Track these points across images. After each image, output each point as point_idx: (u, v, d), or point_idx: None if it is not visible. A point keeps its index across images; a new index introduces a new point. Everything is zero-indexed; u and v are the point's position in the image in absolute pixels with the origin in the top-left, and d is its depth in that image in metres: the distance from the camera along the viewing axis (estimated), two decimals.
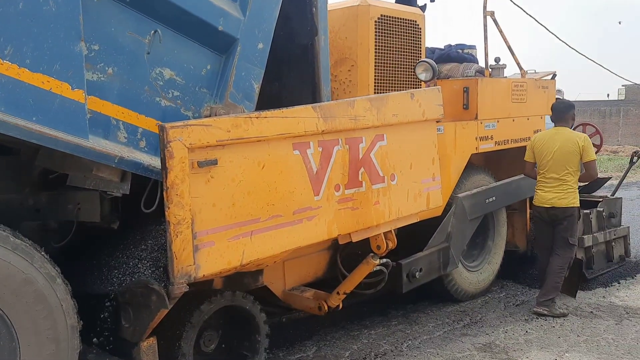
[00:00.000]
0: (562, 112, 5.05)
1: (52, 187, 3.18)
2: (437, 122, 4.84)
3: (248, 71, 3.13)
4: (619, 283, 5.91)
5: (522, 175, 5.73)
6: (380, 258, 3.84)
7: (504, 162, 6.02)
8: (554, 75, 6.12)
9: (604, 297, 5.49)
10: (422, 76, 4.30)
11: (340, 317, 4.84)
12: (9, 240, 2.39)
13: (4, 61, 2.28)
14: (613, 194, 6.98)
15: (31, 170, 3.12)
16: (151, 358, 2.85)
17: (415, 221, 3.97)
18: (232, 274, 3.66)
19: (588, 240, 5.79)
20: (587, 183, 6.44)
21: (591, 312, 5.06)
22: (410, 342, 4.48)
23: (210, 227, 2.64)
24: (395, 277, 4.40)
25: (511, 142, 5.50)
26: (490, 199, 5.24)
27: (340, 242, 3.55)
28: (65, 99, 2.45)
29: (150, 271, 2.61)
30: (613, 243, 6.30)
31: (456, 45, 6.15)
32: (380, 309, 5.11)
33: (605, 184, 7.08)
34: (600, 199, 6.39)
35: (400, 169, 3.70)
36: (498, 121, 5.28)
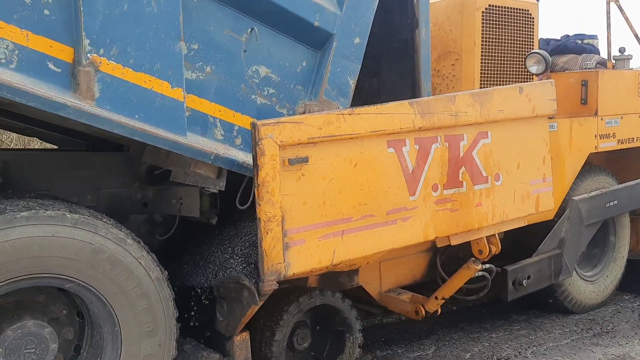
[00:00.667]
0: None
1: (157, 182, 3.34)
2: (550, 118, 4.49)
3: (343, 67, 3.07)
4: None
5: None
6: (483, 263, 3.62)
7: (629, 162, 5.46)
8: None
9: None
10: (534, 69, 3.99)
11: (459, 319, 4.74)
12: (66, 217, 2.43)
13: (110, 61, 2.40)
14: None
15: (139, 166, 3.29)
16: (244, 353, 2.89)
17: (523, 225, 3.69)
18: (326, 273, 3.65)
19: None
20: None
21: None
22: (535, 348, 4.27)
23: (301, 225, 2.61)
24: (500, 284, 4.13)
25: (637, 140, 4.96)
26: (611, 203, 4.76)
27: (438, 245, 3.39)
28: (165, 97, 2.53)
29: (241, 267, 2.64)
30: None
31: (575, 35, 5.66)
32: (501, 312, 4.91)
33: None
34: None
35: (506, 168, 3.45)
36: (622, 117, 4.78)
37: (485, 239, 3.44)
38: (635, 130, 4.93)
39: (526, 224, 3.70)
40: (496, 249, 3.49)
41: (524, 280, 4.17)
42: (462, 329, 4.63)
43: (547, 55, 3.94)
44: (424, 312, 3.82)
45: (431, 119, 3.04)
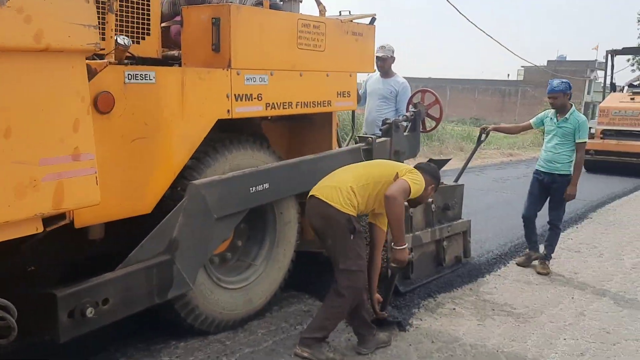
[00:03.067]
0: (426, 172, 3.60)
1: None
2: (110, 58, 3.12)
3: None
4: (489, 274, 5.24)
5: (326, 153, 4.20)
6: None
7: (302, 135, 4.46)
8: (373, 20, 4.53)
9: (470, 289, 4.81)
10: None
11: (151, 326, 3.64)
12: None
13: None
14: (456, 180, 5.65)
15: None
16: None
17: (36, 232, 2.23)
18: None
19: None
20: None
21: (454, 309, 4.36)
22: (224, 358, 3.39)
23: None
24: (47, 318, 2.66)
25: (297, 106, 3.85)
26: (259, 187, 3.59)
27: None
28: None
29: None
30: (445, 242, 4.97)
31: None
32: None
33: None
34: None
35: None
36: (272, 74, 3.61)
37: None
38: (294, 93, 3.81)
39: (44, 230, 2.24)
40: None
41: (91, 309, 2.75)
42: (149, 339, 3.56)
43: None
44: None
45: None
